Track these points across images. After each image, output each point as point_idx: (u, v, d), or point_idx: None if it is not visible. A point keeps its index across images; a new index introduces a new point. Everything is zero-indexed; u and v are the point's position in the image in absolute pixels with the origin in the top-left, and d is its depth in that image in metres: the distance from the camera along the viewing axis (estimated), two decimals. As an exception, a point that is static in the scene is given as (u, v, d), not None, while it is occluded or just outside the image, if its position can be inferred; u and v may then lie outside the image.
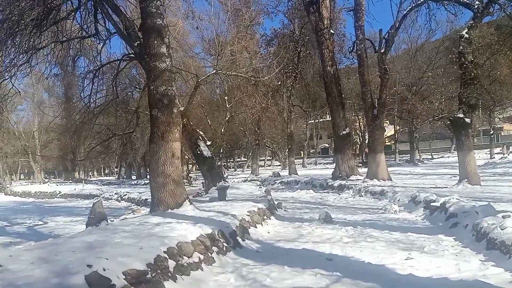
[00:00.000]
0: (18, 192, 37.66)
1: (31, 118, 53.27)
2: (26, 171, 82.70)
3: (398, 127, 44.04)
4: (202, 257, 5.40)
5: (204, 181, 15.32)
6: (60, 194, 32.33)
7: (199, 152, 16.68)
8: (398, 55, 37.71)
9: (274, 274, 5.05)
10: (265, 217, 9.56)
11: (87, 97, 17.43)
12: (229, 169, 57.62)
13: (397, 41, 42.42)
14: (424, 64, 32.72)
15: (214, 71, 17.28)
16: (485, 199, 10.08)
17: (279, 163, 54.08)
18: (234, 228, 6.99)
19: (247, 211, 8.67)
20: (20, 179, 75.67)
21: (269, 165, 61.24)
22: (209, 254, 5.65)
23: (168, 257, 4.81)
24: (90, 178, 61.48)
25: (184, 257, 5.10)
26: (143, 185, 37.22)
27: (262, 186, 16.21)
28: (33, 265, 3.88)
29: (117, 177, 52.47)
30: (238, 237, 6.89)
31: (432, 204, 9.91)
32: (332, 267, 5.35)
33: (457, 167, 30.50)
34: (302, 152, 54.03)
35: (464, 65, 13.69)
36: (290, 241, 7.35)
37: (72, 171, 58.20)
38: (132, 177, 49.68)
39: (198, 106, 23.70)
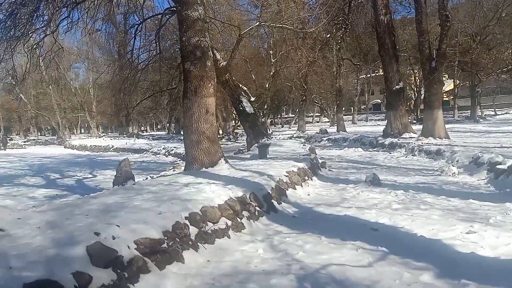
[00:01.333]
0: (76, 145, 39.61)
1: (86, 75, 55.11)
2: (86, 126, 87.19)
3: (458, 81, 40.70)
4: (230, 223, 4.89)
5: (246, 138, 14.83)
6: (113, 148, 33.53)
7: (241, 108, 16.10)
8: (461, 2, 34.09)
9: (308, 246, 4.44)
10: (306, 178, 8.92)
11: (129, 52, 17.19)
12: (276, 125, 57.04)
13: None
14: (490, 11, 29.32)
15: (258, 23, 16.26)
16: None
17: (327, 120, 52.64)
18: (269, 191, 6.42)
19: (286, 171, 8.06)
20: (80, 133, 79.96)
21: (317, 122, 59.83)
22: (239, 219, 5.13)
23: (189, 224, 4.34)
24: (143, 133, 63.54)
25: (209, 223, 4.61)
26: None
27: (306, 144, 15.46)
28: (38, 231, 3.53)
29: (167, 132, 53.68)
30: (273, 200, 6.32)
31: (498, 166, 8.73)
32: (378, 240, 4.64)
33: (524, 125, 28.29)
34: (352, 108, 51.99)
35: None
36: (331, 205, 6.68)
37: (126, 126, 60.38)
38: (181, 132, 50.57)
39: (241, 60, 22.86)
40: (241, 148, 15.60)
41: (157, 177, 8.31)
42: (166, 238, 3.88)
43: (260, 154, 11.83)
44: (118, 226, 3.70)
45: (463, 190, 7.90)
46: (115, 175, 6.14)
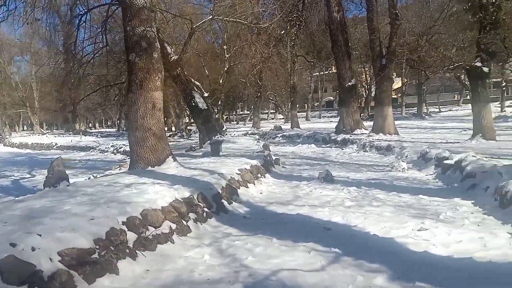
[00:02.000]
0: (16, 143, 37.11)
1: (29, 69, 51.70)
2: (29, 122, 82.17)
3: (405, 80, 42.30)
4: (174, 226, 4.50)
5: (199, 134, 14.37)
6: (56, 146, 31.69)
7: (193, 104, 15.60)
8: (409, 3, 35.40)
9: (259, 250, 4.15)
10: (259, 175, 8.66)
11: (72, 44, 16.15)
12: (231, 122, 56.63)
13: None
14: (436, 12, 30.68)
15: (211, 17, 15.78)
16: (504, 157, 9.08)
17: (282, 117, 52.92)
18: (219, 190, 6.07)
19: (238, 169, 7.75)
20: (23, 130, 75.32)
21: (272, 119, 60.00)
22: (184, 222, 4.75)
23: (127, 229, 3.91)
24: (91, 130, 60.81)
25: (150, 227, 4.20)
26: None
27: (260, 141, 15.26)
28: None
29: (117, 129, 51.69)
30: (223, 200, 5.99)
31: (445, 162, 8.92)
32: (331, 240, 4.45)
33: (466, 121, 29.68)
34: (306, 105, 52.61)
35: (484, 7, 12.17)
36: (284, 204, 6.46)
37: (73, 123, 57.49)
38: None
39: (194, 55, 22.26)
40: (193, 146, 15.09)
41: (99, 176, 7.71)
42: (98, 247, 3.44)
43: (212, 152, 11.44)
44: (40, 235, 3.21)
45: (412, 185, 7.97)
46: (46, 176, 5.54)
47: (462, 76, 40.97)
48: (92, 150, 27.98)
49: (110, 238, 3.62)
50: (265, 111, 66.38)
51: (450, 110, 45.13)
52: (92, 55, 16.52)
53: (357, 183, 8.23)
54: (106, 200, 4.43)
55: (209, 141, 14.12)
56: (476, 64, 12.59)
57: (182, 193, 5.18)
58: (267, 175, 9.29)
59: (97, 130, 58.15)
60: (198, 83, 20.47)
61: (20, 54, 51.26)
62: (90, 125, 71.56)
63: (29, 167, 19.03)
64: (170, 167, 7.34)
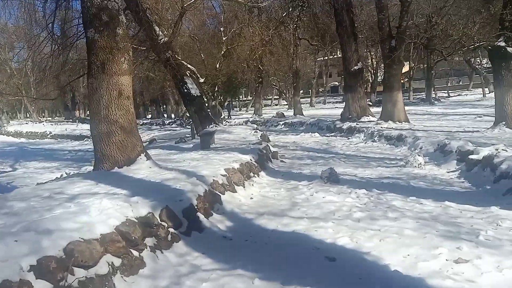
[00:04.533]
0: (11, 132, 36.06)
1: (25, 56, 50.30)
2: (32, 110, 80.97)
3: (413, 64, 40.58)
4: (118, 262, 3.25)
5: (191, 123, 13.07)
6: (50, 134, 30.57)
7: (186, 90, 14.25)
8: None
9: (231, 302, 2.90)
10: (251, 174, 7.40)
11: (50, 25, 14.77)
12: (235, 109, 55.17)
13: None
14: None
15: (203, -7, 14.30)
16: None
17: (286, 103, 51.42)
18: (194, 201, 4.80)
19: (225, 169, 6.47)
20: (26, 117, 74.38)
21: (276, 105, 58.49)
22: (136, 253, 3.49)
23: (35, 278, 2.65)
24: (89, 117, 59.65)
25: (78, 269, 2.94)
26: (142, 125, 35.40)
27: (258, 131, 13.95)
28: None
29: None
30: (199, 214, 4.72)
31: (470, 157, 7.58)
32: (336, 279, 3.19)
33: (478, 106, 28.24)
34: (310, 90, 50.95)
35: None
36: (277, 215, 5.19)
37: (72, 110, 56.32)
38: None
39: (189, 37, 20.81)
40: (183, 137, 13.78)
41: (52, 181, 6.43)
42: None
43: (202, 144, 10.17)
44: None
45: (434, 187, 6.66)
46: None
47: (473, 59, 39.38)
48: (86, 139, 26.84)
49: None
50: (269, 97, 64.84)
51: (459, 95, 43.51)
52: (76, 38, 15.14)
53: (367, 183, 6.94)
54: (22, 227, 3.17)
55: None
56: (499, 43, 11.12)
57: (138, 210, 3.91)
58: (262, 173, 8.02)
59: (96, 118, 56.89)
60: (193, 68, 19.14)
61: (16, 39, 49.84)
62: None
63: (15, 159, 17.92)
64: (142, 167, 6.07)
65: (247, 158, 7.99)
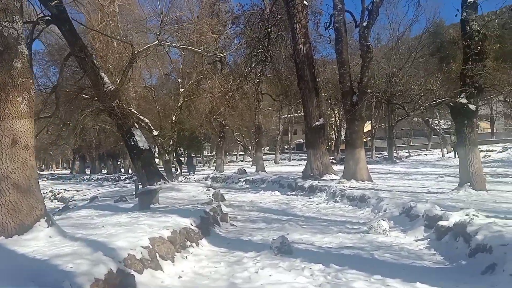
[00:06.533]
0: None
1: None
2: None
3: (375, 123, 41.42)
4: None
5: (135, 180, 11.73)
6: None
7: (133, 143, 13.07)
8: (378, 46, 35.11)
9: None
10: (188, 243, 6.14)
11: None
12: (198, 164, 53.76)
13: (376, 29, 40.05)
14: (404, 55, 30.32)
15: (157, 42, 13.63)
16: (509, 213, 7.00)
17: (251, 159, 50.72)
18: (85, 290, 3.50)
19: (149, 238, 5.21)
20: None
21: (242, 161, 57.71)
22: None
23: None
24: (42, 171, 56.44)
25: None
26: (96, 180, 33.30)
27: (211, 189, 12.75)
28: None
29: (70, 171, 47.87)
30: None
31: (439, 223, 6.69)
32: None
33: (438, 165, 28.41)
34: (275, 147, 50.70)
35: (468, 37, 10.62)
36: (205, 306, 3.95)
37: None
38: (86, 171, 45.27)
39: (144, 88, 19.90)
40: (123, 196, 12.20)
41: None
42: None
43: (140, 204, 8.84)
44: None
45: (402, 260, 5.62)
46: None
47: (431, 120, 40.64)
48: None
49: None
50: (234, 153, 64.16)
51: (419, 154, 44.37)
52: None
53: (325, 255, 5.84)
54: None
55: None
56: (461, 100, 10.82)
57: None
58: (203, 240, 6.76)
59: (49, 172, 53.91)
60: (147, 120, 18.08)
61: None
62: (42, 166, 66.83)
63: None
64: (38, 237, 4.74)
65: (186, 222, 6.76)
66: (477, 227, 5.61)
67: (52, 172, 55.68)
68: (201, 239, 6.68)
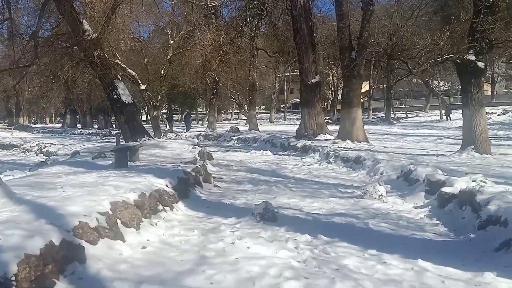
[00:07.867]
0: None
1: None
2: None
3: (373, 83, 40.29)
4: None
5: (116, 134, 10.91)
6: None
7: (115, 96, 12.16)
8: (380, 3, 33.42)
9: None
10: (159, 207, 5.45)
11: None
12: (193, 122, 52.82)
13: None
14: (407, 12, 28.79)
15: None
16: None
17: (246, 117, 49.78)
18: (14, 268, 2.79)
19: (110, 202, 4.49)
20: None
21: (236, 119, 56.70)
22: None
23: None
24: (34, 124, 55.36)
25: None
26: (86, 135, 32.44)
27: (197, 146, 11.97)
28: None
29: (61, 125, 46.81)
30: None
31: (443, 190, 6.02)
32: None
33: (436, 127, 27.75)
34: (271, 106, 49.61)
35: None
36: (166, 285, 3.27)
37: (17, 116, 52.03)
38: (78, 125, 44.30)
39: (132, 39, 18.63)
40: (104, 152, 11.46)
41: None
42: None
43: (116, 162, 8.09)
44: None
45: (400, 231, 4.97)
46: None
47: (430, 81, 39.52)
48: (15, 148, 23.83)
49: None
50: (229, 111, 62.96)
51: (416, 115, 43.64)
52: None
53: (313, 224, 5.20)
54: None
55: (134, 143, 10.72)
56: (469, 57, 9.90)
57: None
58: (180, 204, 6.08)
59: (40, 125, 52.84)
60: (133, 73, 17.04)
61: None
62: (34, 119, 65.64)
63: None
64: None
65: (160, 183, 6.05)
66: (488, 196, 4.95)
67: (44, 125, 54.52)
68: (176, 202, 6.00)
